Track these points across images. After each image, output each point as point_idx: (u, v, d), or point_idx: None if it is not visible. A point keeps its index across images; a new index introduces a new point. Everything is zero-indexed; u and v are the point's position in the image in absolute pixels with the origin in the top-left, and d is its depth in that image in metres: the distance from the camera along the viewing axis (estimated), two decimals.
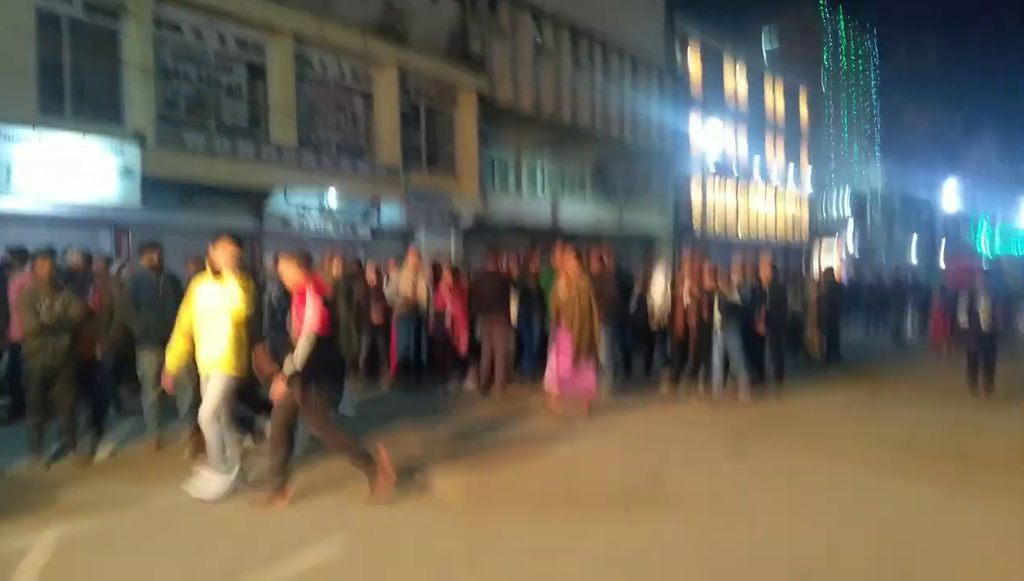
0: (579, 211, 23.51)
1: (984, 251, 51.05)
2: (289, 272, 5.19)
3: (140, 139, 12.13)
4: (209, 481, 5.25)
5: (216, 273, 5.36)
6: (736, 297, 9.10)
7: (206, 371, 5.31)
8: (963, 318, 9.50)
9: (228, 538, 4.54)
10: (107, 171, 11.65)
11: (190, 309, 5.40)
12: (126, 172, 11.82)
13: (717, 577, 4.03)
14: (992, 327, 9.24)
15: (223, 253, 5.33)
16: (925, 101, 59.03)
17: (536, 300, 9.79)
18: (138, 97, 12.42)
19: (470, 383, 9.60)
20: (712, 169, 27.96)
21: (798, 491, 5.58)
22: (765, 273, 9.81)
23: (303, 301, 5.08)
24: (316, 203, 15.36)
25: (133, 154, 11.94)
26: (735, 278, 9.44)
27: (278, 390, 5.02)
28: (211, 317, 5.28)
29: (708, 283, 9.06)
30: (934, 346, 14.46)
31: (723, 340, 8.99)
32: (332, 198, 15.46)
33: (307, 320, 4.98)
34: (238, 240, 5.45)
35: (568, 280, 8.15)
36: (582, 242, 12.67)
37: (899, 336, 17.38)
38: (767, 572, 4.05)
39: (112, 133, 11.87)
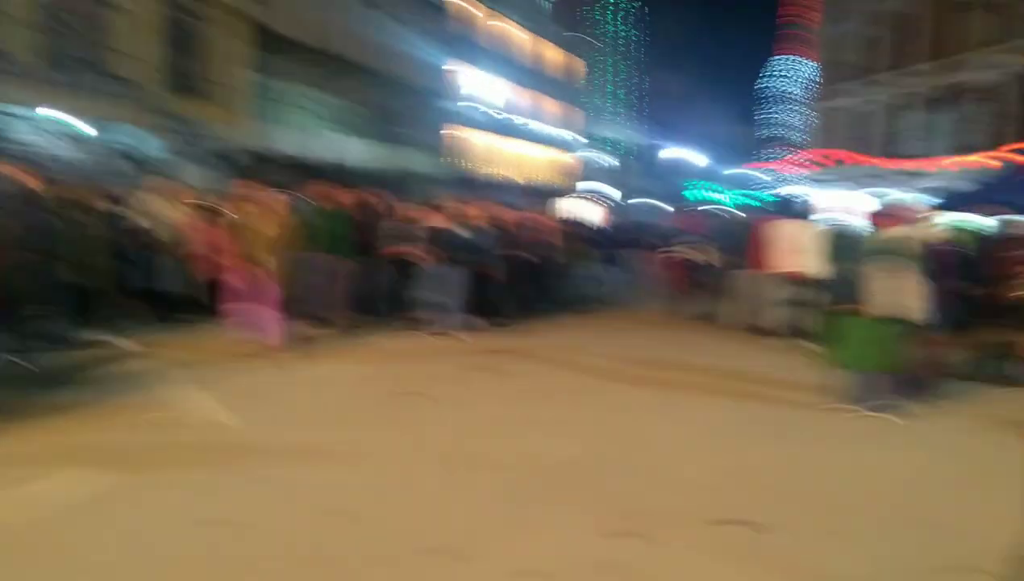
0: (359, 149, 23.38)
1: (724, 202, 58.14)
2: None
3: None
4: None
5: None
6: (468, 235, 9.39)
7: None
8: (691, 257, 11.14)
9: None
10: None
11: None
12: None
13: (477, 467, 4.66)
14: (718, 266, 10.87)
15: None
16: (685, 68, 64.93)
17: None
18: None
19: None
20: (484, 114, 29.15)
21: (542, 400, 6.45)
22: (509, 217, 10.49)
23: None
24: (62, 128, 13.64)
25: None
26: (472, 217, 9.71)
27: None
28: None
29: (436, 220, 9.37)
30: (673, 286, 16.51)
31: (447, 276, 9.22)
32: (82, 123, 13.81)
33: None
34: None
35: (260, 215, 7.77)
36: (360, 181, 12.71)
37: (628, 275, 19.67)
38: (531, 466, 4.76)
39: None
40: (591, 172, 49.65)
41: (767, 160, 45.44)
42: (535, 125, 39.06)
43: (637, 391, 6.82)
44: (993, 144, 23.08)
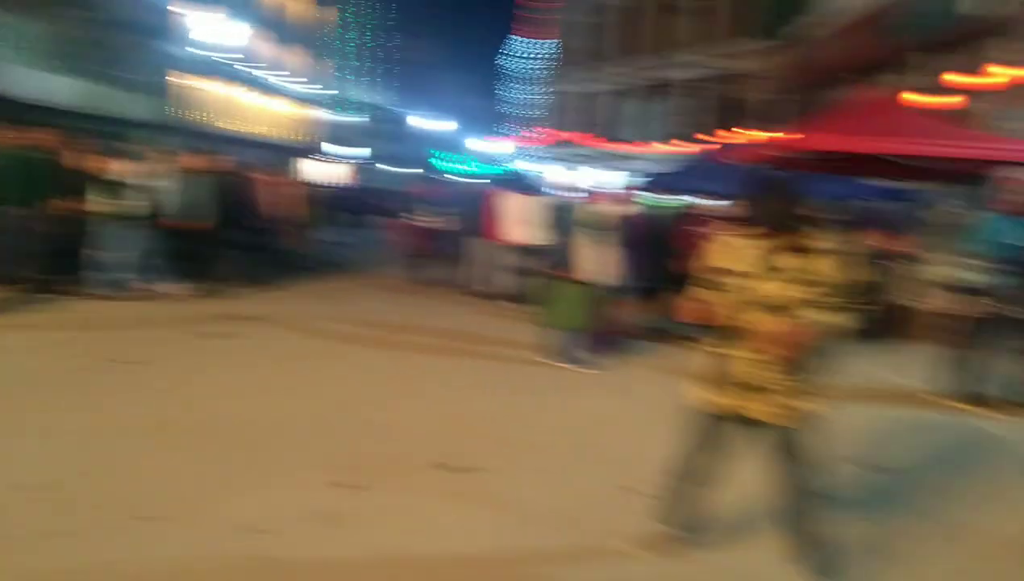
0: (65, 88, 20.53)
1: (468, 171, 59.49)
2: None
3: None
4: None
5: None
6: (172, 189, 8.91)
7: None
8: (430, 224, 11.48)
9: None
10: None
11: None
12: None
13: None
14: (456, 233, 11.31)
15: None
16: (435, 36, 64.94)
17: None
18: None
19: None
20: (218, 62, 26.96)
21: (272, 364, 6.39)
22: (238, 172, 10.03)
23: None
24: None
25: None
26: (185, 169, 9.21)
27: None
28: None
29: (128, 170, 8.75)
30: (412, 252, 16.87)
31: (131, 234, 8.71)
32: None
33: None
34: None
35: None
36: (66, 124, 11.24)
37: (361, 241, 19.79)
38: (257, 428, 4.71)
39: None
40: (338, 132, 48.49)
41: (506, 135, 47.70)
42: (278, 78, 37.12)
43: (369, 353, 7.03)
44: (694, 134, 26.57)
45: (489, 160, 54.54)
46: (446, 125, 66.88)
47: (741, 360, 2.92)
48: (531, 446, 4.69)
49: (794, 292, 2.81)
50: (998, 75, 11.86)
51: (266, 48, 35.68)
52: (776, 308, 2.82)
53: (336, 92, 46.22)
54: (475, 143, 60.40)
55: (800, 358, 2.75)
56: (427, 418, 5.13)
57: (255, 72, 34.33)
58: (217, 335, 7.28)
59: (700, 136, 23.75)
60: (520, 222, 9.62)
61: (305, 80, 40.74)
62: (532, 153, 36.90)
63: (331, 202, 20.88)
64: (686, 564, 3.22)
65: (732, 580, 3.12)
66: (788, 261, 2.83)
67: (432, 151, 68.74)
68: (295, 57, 39.30)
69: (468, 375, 6.42)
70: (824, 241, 2.87)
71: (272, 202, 10.40)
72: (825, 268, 2.81)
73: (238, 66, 31.62)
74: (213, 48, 26.78)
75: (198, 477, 3.92)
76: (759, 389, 2.89)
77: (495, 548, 3.31)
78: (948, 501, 4.09)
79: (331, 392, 5.66)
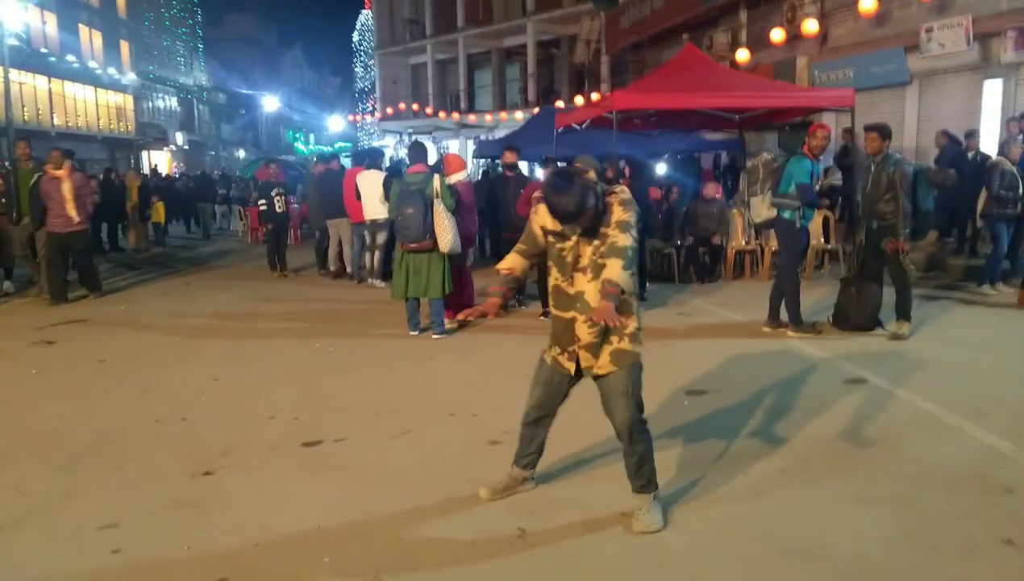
0: None
1: (303, 149, 57.58)
2: None
3: None
4: None
5: None
6: None
7: None
8: (263, 206, 11.17)
9: None
10: None
11: None
12: None
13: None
14: (314, 213, 11.05)
15: None
16: (243, 8, 61.91)
17: None
18: None
19: None
20: (13, 48, 24.26)
21: (124, 363, 6.13)
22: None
23: None
24: None
25: None
26: None
27: None
28: None
29: None
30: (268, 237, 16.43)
31: None
32: None
33: None
34: None
35: None
36: None
37: (207, 230, 19.06)
38: (109, 428, 4.54)
39: None
40: (178, 118, 45.65)
41: (365, 112, 46.61)
42: (90, 66, 34.01)
43: (218, 343, 6.89)
44: (526, 100, 27.14)
45: (348, 138, 53.21)
46: (303, 106, 64.55)
47: (564, 318, 3.13)
48: (391, 413, 4.80)
49: (580, 253, 3.00)
50: (812, 29, 12.91)
51: (74, 35, 32.70)
52: (585, 267, 3.03)
53: (154, 75, 43.07)
54: (335, 121, 58.64)
55: (614, 320, 2.83)
56: (281, 400, 5.11)
57: (65, 63, 31.44)
58: (50, 341, 6.88)
59: (556, 101, 24.27)
60: (373, 198, 9.57)
61: (119, 67, 37.68)
62: (385, 128, 36.35)
63: (176, 193, 19.89)
64: (534, 499, 3.47)
65: (575, 509, 3.39)
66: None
67: (291, 132, 66.25)
68: (104, 45, 36.10)
69: (323, 354, 6.43)
70: (613, 196, 3.01)
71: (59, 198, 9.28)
72: (613, 221, 2.96)
73: (25, 48, 27.90)
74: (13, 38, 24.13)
75: (45, 486, 3.76)
76: (586, 341, 3.10)
77: (360, 514, 3.41)
78: (771, 416, 4.59)
79: (181, 387, 5.52)
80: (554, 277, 3.16)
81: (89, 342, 7.03)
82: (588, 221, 2.94)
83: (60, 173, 8.68)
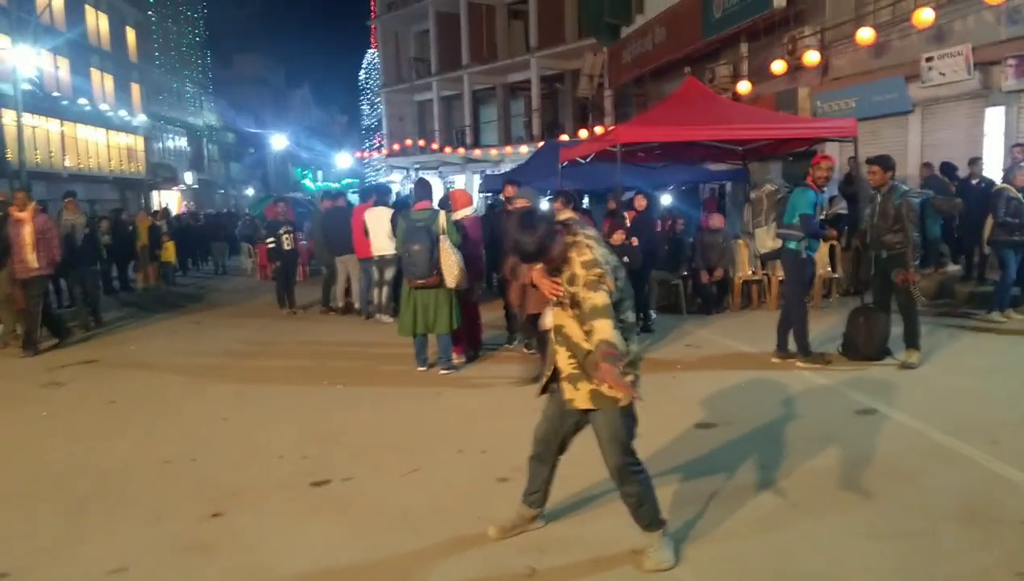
0: None
1: (311, 186, 58.12)
2: None
3: None
4: None
5: None
6: None
7: None
8: (290, 244, 11.26)
9: None
10: None
11: None
12: None
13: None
14: (322, 249, 11.12)
15: None
16: (252, 48, 63.07)
17: None
18: None
19: None
20: (9, 88, 24.65)
21: (133, 405, 6.16)
22: None
23: None
24: None
25: None
26: None
27: None
28: None
29: None
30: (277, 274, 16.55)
31: None
32: None
33: None
34: None
35: None
36: None
37: (218, 267, 19.32)
38: (122, 470, 4.55)
39: None
40: (188, 158, 46.21)
41: (372, 149, 47.14)
42: (101, 107, 34.45)
43: (226, 383, 6.90)
44: (531, 135, 27.41)
45: (355, 174, 53.77)
46: (311, 144, 65.37)
47: (560, 353, 3.15)
48: (399, 450, 4.79)
49: (572, 288, 2.98)
50: (812, 60, 13.04)
51: (85, 78, 33.24)
52: (566, 305, 3.05)
53: (164, 115, 43.64)
54: (343, 158, 59.33)
55: (619, 384, 2.80)
56: (290, 438, 5.11)
57: (77, 105, 31.91)
58: (59, 383, 6.93)
59: (561, 135, 24.47)
60: (381, 234, 9.66)
61: (130, 107, 38.27)
62: (392, 165, 36.71)
63: (186, 232, 20.08)
64: (544, 537, 3.44)
65: (585, 546, 3.37)
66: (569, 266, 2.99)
67: (299, 170, 66.94)
68: (115, 86, 36.64)
69: (331, 391, 6.44)
70: (579, 239, 2.97)
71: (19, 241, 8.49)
72: (580, 276, 2.91)
73: (37, 92, 27.93)
74: (28, 82, 24.52)
75: (53, 529, 3.76)
76: (567, 373, 3.12)
77: (369, 554, 3.40)
78: (782, 449, 4.56)
79: (190, 427, 5.54)
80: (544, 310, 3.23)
81: (98, 383, 7.06)
82: (549, 263, 2.99)
83: (23, 215, 8.32)
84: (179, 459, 4.77)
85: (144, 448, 5.04)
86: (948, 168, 10.47)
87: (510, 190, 8.74)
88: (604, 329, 2.79)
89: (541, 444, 3.38)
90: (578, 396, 3.10)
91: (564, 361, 3.11)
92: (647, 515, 3.18)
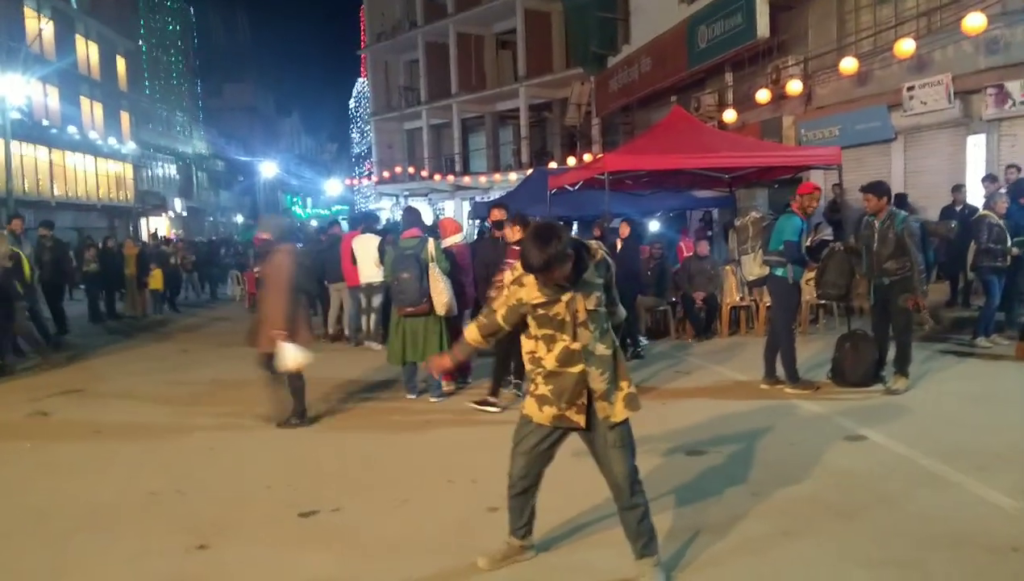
0: None
1: (300, 214, 58.24)
2: None
3: None
4: None
5: None
6: None
7: None
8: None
9: None
10: None
11: None
12: None
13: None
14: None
15: None
16: (242, 77, 63.45)
17: None
18: None
19: None
20: (15, 121, 24.64)
21: (118, 437, 6.09)
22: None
23: None
24: None
25: None
26: None
27: None
28: None
29: None
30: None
31: None
32: None
33: None
34: None
35: None
36: None
37: (213, 294, 19.34)
38: (107, 503, 4.49)
39: None
40: (177, 185, 46.18)
41: (362, 176, 47.30)
42: (90, 136, 34.44)
43: (213, 412, 6.84)
44: (520, 162, 27.58)
45: (345, 201, 53.89)
46: (302, 170, 65.52)
47: (572, 374, 3.14)
48: (388, 480, 4.76)
49: (577, 308, 3.07)
50: (796, 89, 13.24)
51: (74, 106, 33.25)
52: (585, 321, 3.08)
53: (154, 144, 43.65)
54: (332, 185, 59.50)
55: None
56: (277, 469, 5.07)
57: (66, 133, 31.88)
58: (44, 412, 6.85)
59: (549, 163, 24.64)
60: (372, 262, 9.68)
61: (119, 136, 38.27)
62: (381, 192, 36.82)
63: (173, 259, 20.01)
64: (534, 568, 3.42)
65: (576, 576, 3.34)
66: (581, 281, 3.08)
67: (288, 197, 67.00)
68: (104, 114, 36.63)
69: (319, 420, 6.38)
70: (591, 254, 3.12)
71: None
72: (593, 280, 3.10)
73: (26, 120, 27.92)
74: (17, 110, 24.47)
75: (36, 562, 3.70)
76: (601, 390, 3.12)
77: None
78: (772, 476, 4.55)
79: (176, 458, 5.48)
80: (544, 340, 3.17)
81: (84, 413, 6.99)
82: (553, 278, 3.00)
83: None
84: (165, 491, 4.71)
85: (130, 479, 4.98)
86: (900, 199, 10.54)
87: (497, 214, 8.72)
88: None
89: (525, 480, 3.35)
90: (615, 410, 3.14)
91: (596, 380, 3.12)
92: (647, 531, 3.19)
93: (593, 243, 3.20)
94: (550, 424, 3.23)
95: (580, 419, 3.15)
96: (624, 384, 3.16)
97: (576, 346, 3.10)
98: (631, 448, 3.17)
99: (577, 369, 3.12)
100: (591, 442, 3.21)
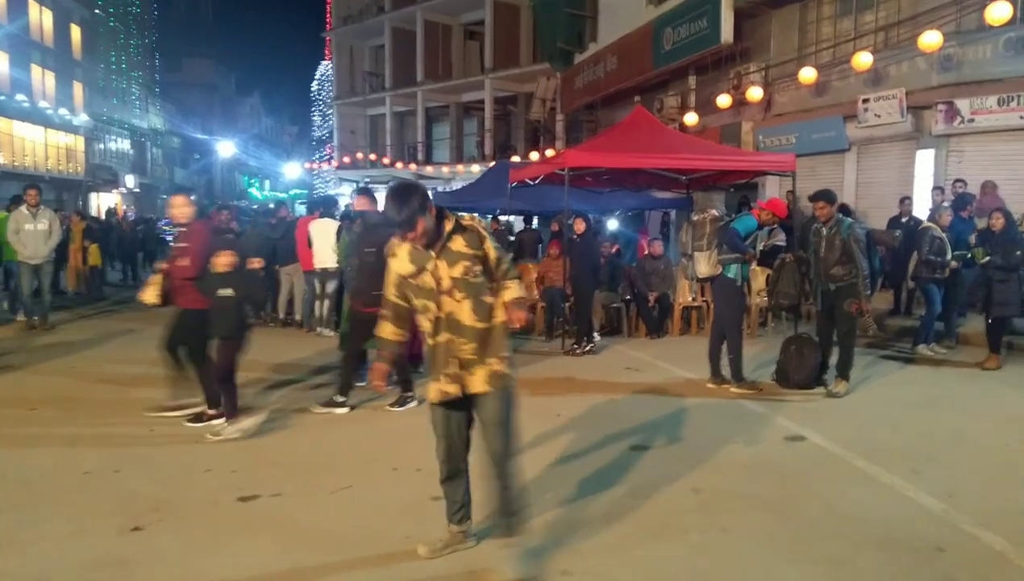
0: None
1: (257, 196, 57.11)
2: None
3: None
4: None
5: None
6: None
7: None
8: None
9: None
10: None
11: None
12: None
13: None
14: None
15: None
16: (202, 53, 61.92)
17: None
18: None
19: None
20: None
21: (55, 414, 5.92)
22: None
23: None
24: None
25: None
26: None
27: None
28: None
29: None
30: None
31: None
32: None
33: None
34: None
35: None
36: None
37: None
38: (42, 479, 4.35)
39: None
40: (114, 160, 44.83)
41: (322, 160, 46.59)
42: (41, 104, 33.26)
43: (152, 393, 6.68)
44: (483, 154, 27.53)
45: (304, 185, 53.02)
46: (261, 152, 64.24)
47: (441, 343, 3.19)
48: (333, 467, 4.72)
49: (441, 276, 3.13)
50: (756, 96, 13.44)
51: (25, 73, 32.12)
52: (450, 289, 3.13)
53: (107, 117, 42.41)
54: (292, 168, 58.43)
55: (494, 330, 3.18)
56: (220, 452, 4.98)
57: (15, 100, 30.77)
58: None
59: (513, 156, 24.61)
60: (328, 247, 9.57)
61: (71, 106, 37.12)
62: (340, 177, 36.37)
63: (121, 237, 19.48)
64: (474, 556, 3.43)
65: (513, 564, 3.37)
66: (444, 250, 3.14)
67: (246, 178, 65.65)
68: (56, 83, 35.44)
69: (266, 405, 6.29)
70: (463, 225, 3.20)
71: None
72: (492, 252, 3.22)
73: None
74: None
75: None
76: (465, 358, 3.16)
77: (294, 572, 3.32)
78: (713, 473, 4.63)
79: (114, 438, 5.34)
80: (422, 311, 3.22)
81: (20, 388, 6.77)
82: (418, 235, 3.06)
83: None
84: (101, 470, 4.60)
85: (65, 458, 4.85)
86: (843, 208, 10.75)
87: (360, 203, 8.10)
88: (520, 288, 3.31)
89: (451, 462, 3.38)
90: (473, 381, 3.17)
91: (460, 350, 3.15)
92: (514, 512, 3.25)
93: (467, 216, 3.29)
94: (437, 401, 3.26)
95: (452, 388, 3.19)
96: (493, 361, 3.18)
97: (441, 314, 3.16)
98: (506, 428, 3.20)
99: (443, 338, 3.18)
100: (477, 415, 3.25)
